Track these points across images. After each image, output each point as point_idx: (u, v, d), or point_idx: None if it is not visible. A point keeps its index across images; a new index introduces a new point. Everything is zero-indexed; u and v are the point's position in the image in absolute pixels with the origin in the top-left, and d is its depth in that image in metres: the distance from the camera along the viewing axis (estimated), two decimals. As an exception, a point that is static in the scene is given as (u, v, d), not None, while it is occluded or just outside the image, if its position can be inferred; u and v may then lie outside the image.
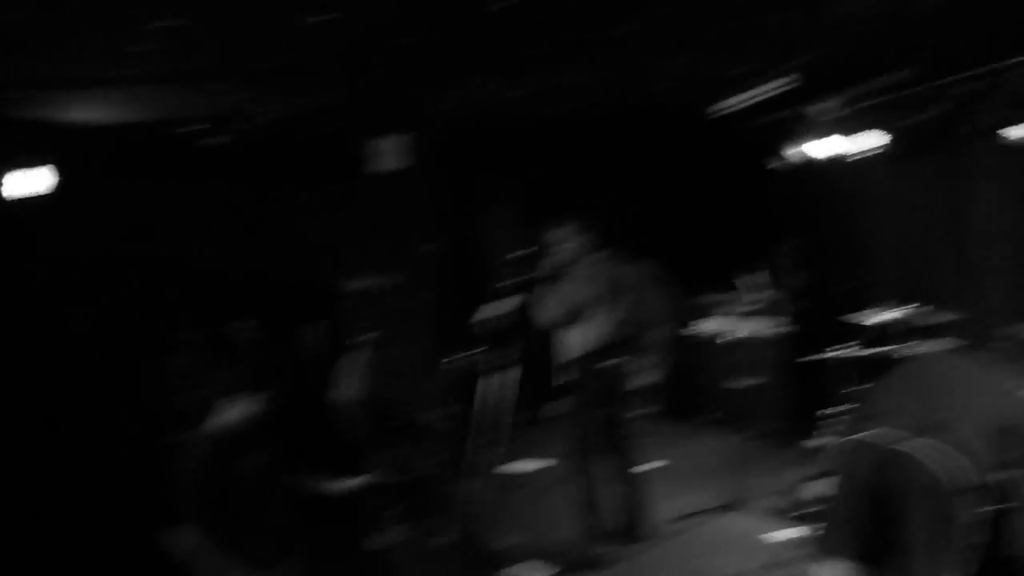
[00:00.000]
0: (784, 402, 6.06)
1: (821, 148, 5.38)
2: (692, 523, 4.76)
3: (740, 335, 6.10)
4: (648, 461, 4.66)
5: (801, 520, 4.39)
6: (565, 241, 4.41)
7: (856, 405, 4.23)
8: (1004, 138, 4.63)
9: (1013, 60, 4.32)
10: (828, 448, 4.01)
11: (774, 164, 5.78)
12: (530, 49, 3.81)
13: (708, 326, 6.27)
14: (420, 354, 4.08)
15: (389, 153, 3.87)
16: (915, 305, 4.47)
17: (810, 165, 5.62)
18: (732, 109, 5.19)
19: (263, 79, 3.83)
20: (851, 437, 3.09)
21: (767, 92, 4.78)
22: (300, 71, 3.72)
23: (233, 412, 3.11)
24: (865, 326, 4.52)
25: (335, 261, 4.08)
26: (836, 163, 5.45)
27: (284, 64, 3.67)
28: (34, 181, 4.06)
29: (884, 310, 4.47)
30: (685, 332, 6.37)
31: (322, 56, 3.65)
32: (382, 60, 3.73)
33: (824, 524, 2.80)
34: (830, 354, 4.45)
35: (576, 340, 4.47)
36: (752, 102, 4.99)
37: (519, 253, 5.37)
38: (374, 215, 4.03)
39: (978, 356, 4.10)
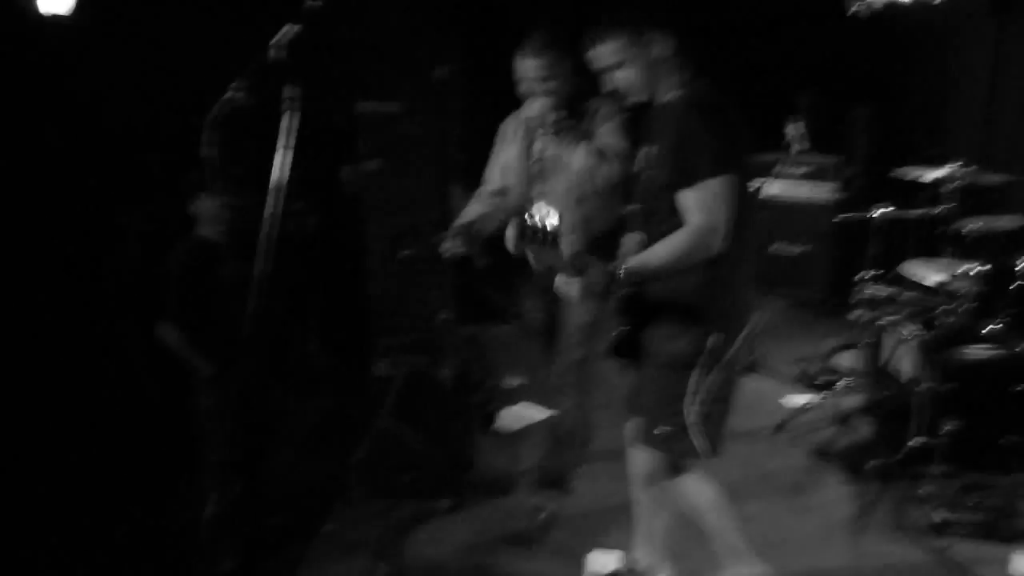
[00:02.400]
0: (827, 270, 5.75)
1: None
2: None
3: (789, 197, 5.78)
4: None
5: (822, 388, 4.39)
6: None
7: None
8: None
9: None
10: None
11: (851, 7, 5.18)
12: None
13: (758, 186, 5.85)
14: (427, 185, 3.92)
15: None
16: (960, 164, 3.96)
17: (892, 10, 5.00)
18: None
19: None
20: None
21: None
22: None
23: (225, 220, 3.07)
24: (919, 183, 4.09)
25: (345, 86, 3.89)
26: (921, 9, 4.83)
27: None
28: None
29: (938, 168, 4.00)
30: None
31: None
32: None
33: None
34: (876, 214, 4.06)
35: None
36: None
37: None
38: (381, 36, 3.76)
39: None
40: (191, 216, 3.07)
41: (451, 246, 3.00)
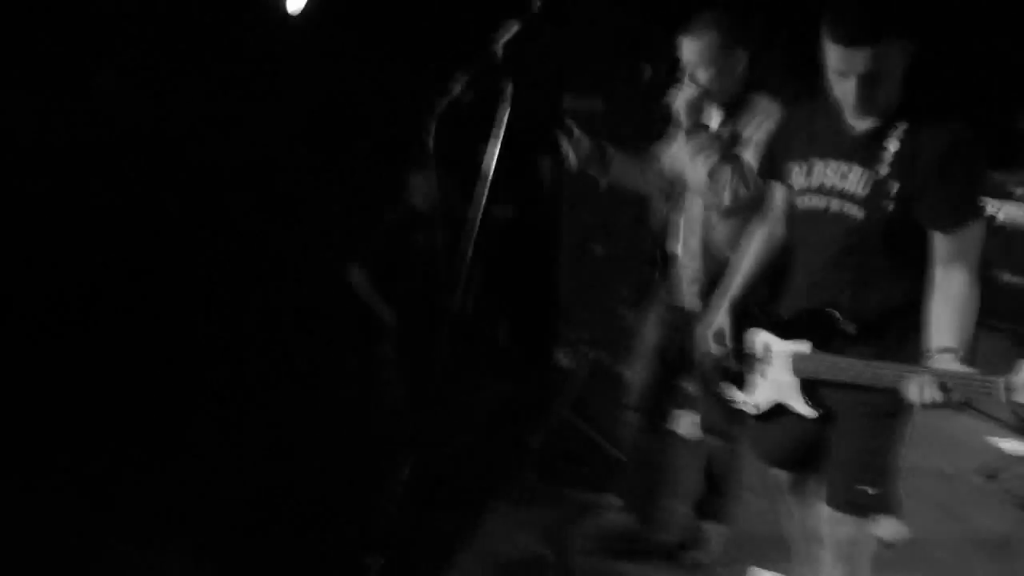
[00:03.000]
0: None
1: None
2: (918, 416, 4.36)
3: (1021, 222, 5.21)
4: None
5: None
6: None
7: None
8: None
9: None
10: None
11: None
12: None
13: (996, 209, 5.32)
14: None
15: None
16: None
17: None
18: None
19: None
20: None
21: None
22: None
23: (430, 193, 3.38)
24: None
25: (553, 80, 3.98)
26: None
27: None
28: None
29: None
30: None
31: None
32: None
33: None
34: None
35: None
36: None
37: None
38: (590, 33, 3.81)
39: None
40: (406, 187, 3.44)
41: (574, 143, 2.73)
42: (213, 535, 3.20)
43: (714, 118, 2.59)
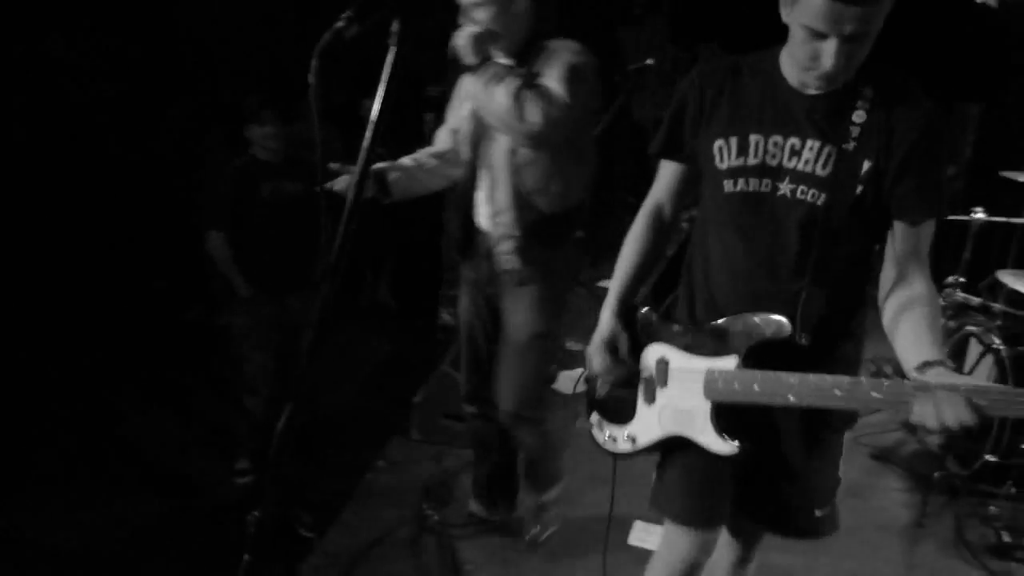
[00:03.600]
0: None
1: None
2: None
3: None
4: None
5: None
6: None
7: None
8: None
9: None
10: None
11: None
12: None
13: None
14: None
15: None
16: None
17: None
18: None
19: None
20: None
21: None
22: None
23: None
24: None
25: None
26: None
27: None
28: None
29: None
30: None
31: None
32: None
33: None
34: (974, 217, 3.83)
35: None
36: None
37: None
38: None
39: None
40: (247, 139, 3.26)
41: (346, 185, 2.24)
42: (94, 504, 3.03)
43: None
